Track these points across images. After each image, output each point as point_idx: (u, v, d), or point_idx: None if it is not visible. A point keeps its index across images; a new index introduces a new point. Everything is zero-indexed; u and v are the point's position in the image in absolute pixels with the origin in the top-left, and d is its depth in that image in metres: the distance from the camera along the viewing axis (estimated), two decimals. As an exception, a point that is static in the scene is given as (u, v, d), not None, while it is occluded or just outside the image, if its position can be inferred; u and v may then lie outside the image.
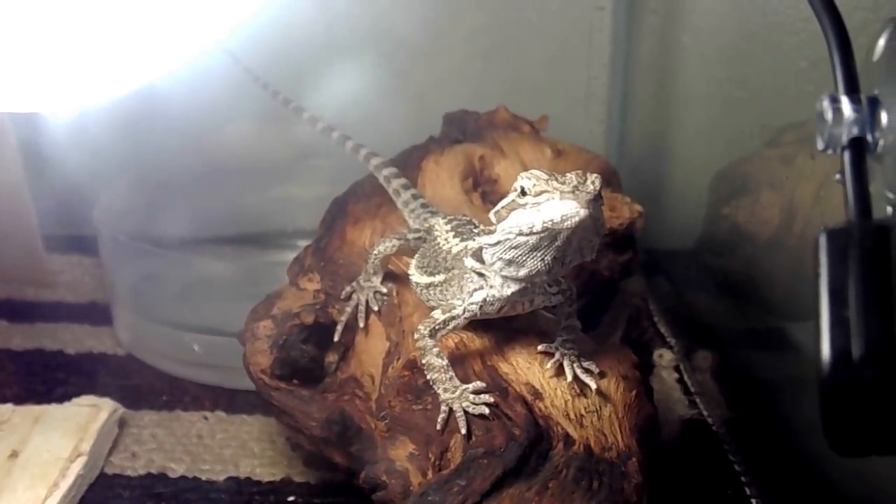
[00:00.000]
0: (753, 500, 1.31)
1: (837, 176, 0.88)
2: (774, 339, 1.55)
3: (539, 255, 1.05)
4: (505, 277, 1.10)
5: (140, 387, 1.66)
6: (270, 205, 1.99)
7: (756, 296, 1.63)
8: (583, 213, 0.99)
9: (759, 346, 1.61)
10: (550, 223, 1.00)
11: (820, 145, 0.90)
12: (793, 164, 1.58)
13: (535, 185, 1.02)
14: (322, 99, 1.72)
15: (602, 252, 1.54)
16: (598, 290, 1.58)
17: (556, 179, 1.01)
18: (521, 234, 1.04)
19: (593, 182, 1.01)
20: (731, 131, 1.84)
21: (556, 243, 1.03)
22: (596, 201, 1.01)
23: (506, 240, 1.06)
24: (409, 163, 1.61)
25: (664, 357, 1.66)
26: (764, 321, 1.61)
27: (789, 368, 1.49)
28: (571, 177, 1.02)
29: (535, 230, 1.02)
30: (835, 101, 0.89)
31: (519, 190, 1.04)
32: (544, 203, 1.01)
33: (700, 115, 1.99)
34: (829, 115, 0.89)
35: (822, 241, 0.83)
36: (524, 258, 1.06)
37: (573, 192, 0.99)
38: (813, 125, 1.38)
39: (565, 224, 1.00)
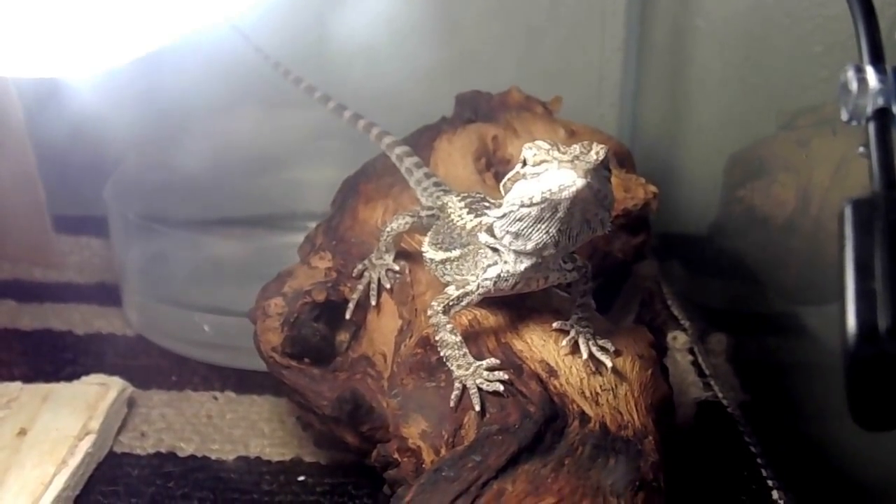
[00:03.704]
0: (770, 482, 1.29)
1: (861, 148, 0.87)
2: (789, 323, 1.54)
3: (543, 227, 1.03)
4: (517, 252, 1.09)
5: (149, 367, 1.65)
6: (280, 186, 1.97)
7: (771, 279, 1.62)
8: (580, 182, 0.97)
9: (774, 329, 1.59)
10: (549, 193, 0.99)
11: (844, 117, 0.88)
12: (808, 146, 1.57)
13: (535, 154, 1.01)
14: (334, 81, 1.70)
15: (616, 233, 1.53)
16: (610, 272, 1.57)
17: (558, 149, 1.00)
18: (522, 205, 1.03)
19: (597, 153, 1.00)
20: (745, 115, 1.83)
21: (558, 214, 1.01)
22: (597, 172, 0.99)
23: (510, 212, 1.05)
24: (422, 142, 1.60)
25: (678, 339, 1.64)
26: (779, 304, 1.59)
27: (805, 352, 1.47)
28: (575, 147, 1.00)
29: (534, 201, 1.01)
30: (859, 71, 0.87)
31: (522, 161, 1.03)
32: (543, 173, 1.00)
33: (714, 99, 1.97)
34: (853, 86, 0.87)
35: (847, 212, 0.81)
36: (529, 231, 1.04)
37: (572, 161, 0.98)
38: (828, 109, 1.37)
39: (563, 194, 0.98)
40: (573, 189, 0.98)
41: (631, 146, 1.94)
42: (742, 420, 1.44)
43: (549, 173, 0.99)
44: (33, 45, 1.29)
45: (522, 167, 1.03)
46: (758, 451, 1.36)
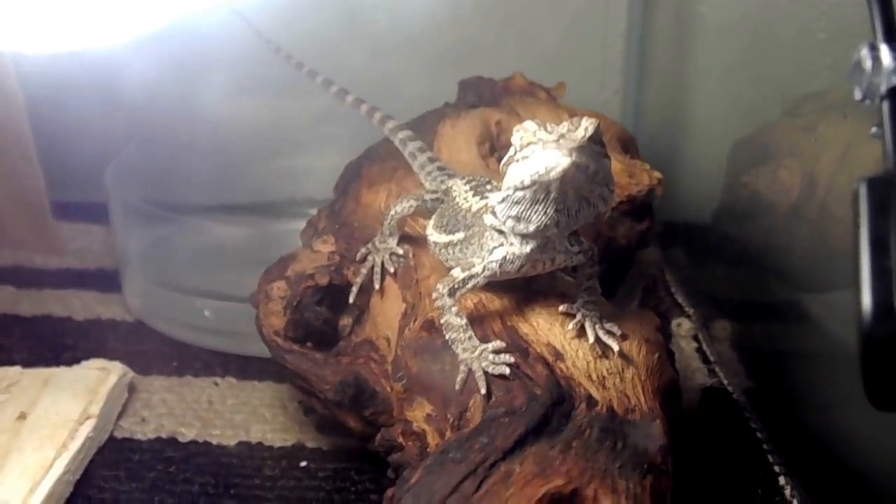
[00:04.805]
0: (776, 468, 1.28)
1: (874, 128, 0.85)
2: (794, 309, 1.53)
3: (541, 208, 1.02)
4: (521, 235, 1.08)
5: (150, 352, 1.64)
6: (282, 172, 1.96)
7: (775, 265, 1.61)
8: (565, 161, 0.96)
9: (778, 316, 1.58)
10: (537, 175, 0.98)
11: (857, 95, 0.87)
12: (814, 132, 1.56)
13: (522, 137, 1.00)
14: (337, 66, 1.69)
15: (619, 220, 1.52)
16: (614, 258, 1.56)
17: (545, 129, 0.99)
18: (516, 188, 1.01)
19: (585, 128, 0.98)
20: (748, 101, 1.81)
21: (552, 195, 1.00)
22: (585, 148, 0.97)
23: (507, 196, 1.04)
24: (425, 127, 1.59)
25: (682, 326, 1.63)
26: (783, 291, 1.58)
27: (809, 338, 1.46)
28: (563, 125, 0.98)
29: (525, 184, 1.00)
30: (874, 49, 0.86)
31: (512, 145, 1.02)
32: (531, 155, 0.99)
33: (717, 85, 1.96)
34: (867, 64, 0.86)
35: (862, 191, 0.80)
36: (528, 213, 1.03)
37: (557, 141, 0.97)
38: (833, 94, 1.36)
39: (551, 175, 0.97)
40: (559, 169, 0.96)
41: (634, 133, 1.93)
42: (747, 406, 1.43)
43: (535, 155, 0.98)
44: (35, 21, 1.28)
45: (514, 151, 1.02)
46: (763, 437, 1.35)
